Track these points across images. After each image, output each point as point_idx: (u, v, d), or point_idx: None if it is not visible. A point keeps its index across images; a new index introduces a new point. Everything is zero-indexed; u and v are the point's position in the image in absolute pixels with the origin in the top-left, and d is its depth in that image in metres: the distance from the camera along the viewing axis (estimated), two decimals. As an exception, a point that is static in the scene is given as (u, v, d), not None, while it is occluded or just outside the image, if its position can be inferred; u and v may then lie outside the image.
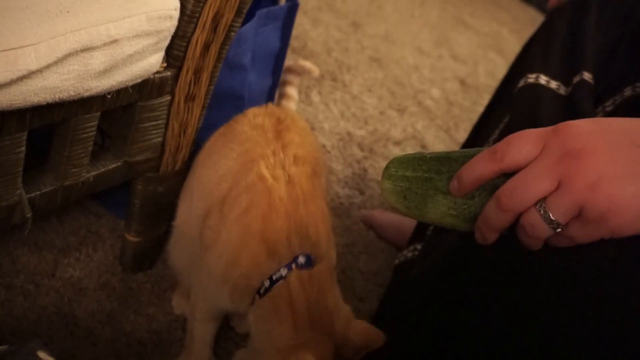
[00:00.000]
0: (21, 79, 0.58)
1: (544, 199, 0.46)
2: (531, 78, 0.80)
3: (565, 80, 0.79)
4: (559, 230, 0.47)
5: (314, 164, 0.79)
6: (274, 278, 0.67)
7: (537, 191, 0.46)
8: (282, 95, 1.03)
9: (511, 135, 0.48)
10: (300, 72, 1.05)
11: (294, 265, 0.67)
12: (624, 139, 0.44)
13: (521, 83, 0.82)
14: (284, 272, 0.67)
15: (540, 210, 0.46)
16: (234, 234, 0.70)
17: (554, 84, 0.79)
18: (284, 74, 1.06)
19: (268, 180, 0.71)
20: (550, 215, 0.46)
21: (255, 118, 0.82)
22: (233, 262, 0.70)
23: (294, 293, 0.65)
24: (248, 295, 0.70)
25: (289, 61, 1.10)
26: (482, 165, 0.49)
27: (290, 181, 0.72)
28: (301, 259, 0.68)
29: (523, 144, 0.47)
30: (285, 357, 0.62)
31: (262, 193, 0.70)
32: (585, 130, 0.45)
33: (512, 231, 0.51)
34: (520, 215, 0.48)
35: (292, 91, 1.03)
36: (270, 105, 0.89)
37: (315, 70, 1.04)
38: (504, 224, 0.50)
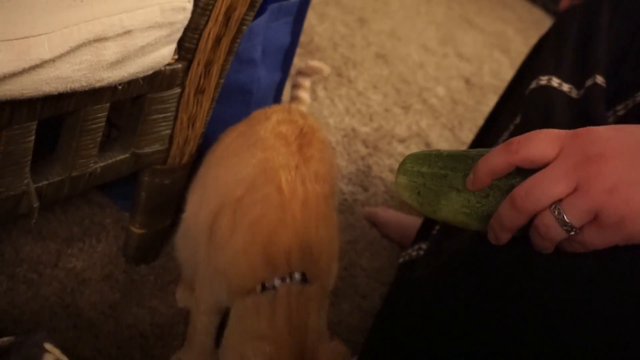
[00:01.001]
0: (33, 68, 0.57)
1: (559, 201, 0.46)
2: (543, 80, 0.79)
3: (577, 84, 0.78)
4: (572, 233, 0.47)
5: (331, 183, 0.81)
6: (266, 285, 0.70)
7: (554, 193, 0.46)
8: (294, 99, 1.02)
9: (531, 132, 0.48)
10: (310, 73, 1.04)
11: (288, 280, 0.70)
12: None
13: (533, 85, 0.81)
14: (277, 282, 0.70)
15: (555, 212, 0.46)
16: (241, 239, 0.72)
17: (566, 87, 0.78)
18: (295, 76, 1.04)
19: (285, 196, 0.73)
20: (565, 217, 0.46)
21: (279, 125, 0.82)
22: (233, 263, 0.73)
23: (278, 302, 0.68)
24: (240, 295, 0.72)
25: (299, 61, 1.09)
26: (497, 157, 0.49)
27: (306, 202, 0.74)
28: (297, 276, 0.70)
29: (540, 140, 0.47)
30: (251, 346, 0.65)
31: (276, 208, 0.73)
32: (606, 135, 0.45)
33: (524, 232, 0.50)
34: (534, 217, 0.48)
35: (303, 94, 1.02)
36: (292, 107, 0.90)
37: (326, 70, 1.04)
38: (518, 225, 0.49)
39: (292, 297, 0.68)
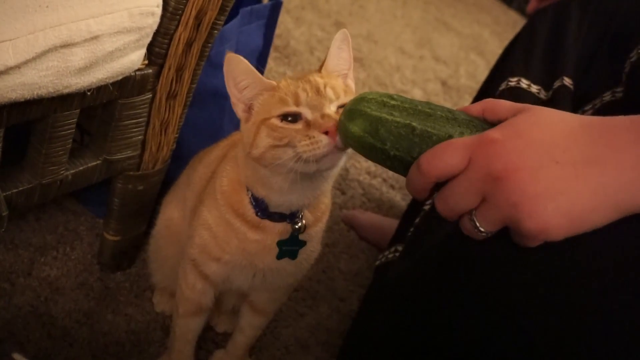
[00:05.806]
0: (-2, 74, 0.56)
1: (475, 209, 0.48)
2: (512, 81, 0.81)
3: (545, 85, 0.79)
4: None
5: None
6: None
7: (466, 205, 0.48)
8: None
9: (437, 147, 0.49)
10: None
11: None
12: (545, 156, 0.45)
13: (502, 86, 0.82)
14: None
15: (472, 220, 0.48)
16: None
17: (534, 88, 0.79)
18: None
19: None
20: (479, 226, 0.48)
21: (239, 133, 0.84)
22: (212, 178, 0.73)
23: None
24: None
25: (275, 65, 1.07)
26: (416, 181, 0.50)
27: None
28: None
29: (448, 156, 0.48)
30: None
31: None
32: (507, 148, 0.46)
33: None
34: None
35: None
36: None
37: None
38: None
39: None
